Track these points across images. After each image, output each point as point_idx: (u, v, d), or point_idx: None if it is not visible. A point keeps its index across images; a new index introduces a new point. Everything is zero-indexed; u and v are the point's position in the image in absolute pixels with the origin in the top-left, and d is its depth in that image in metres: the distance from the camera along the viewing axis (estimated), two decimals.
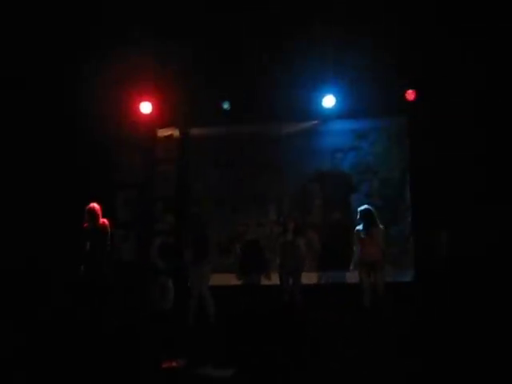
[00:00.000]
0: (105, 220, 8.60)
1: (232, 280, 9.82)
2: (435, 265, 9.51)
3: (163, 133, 10.78)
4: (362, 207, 8.97)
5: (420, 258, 9.79)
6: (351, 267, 8.98)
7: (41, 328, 8.17)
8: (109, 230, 8.57)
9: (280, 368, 6.91)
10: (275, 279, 9.48)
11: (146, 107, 10.46)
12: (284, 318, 8.75)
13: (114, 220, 10.06)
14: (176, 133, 10.78)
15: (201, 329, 8.65)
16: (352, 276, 9.79)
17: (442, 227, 9.66)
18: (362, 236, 8.84)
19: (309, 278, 9.67)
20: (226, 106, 10.15)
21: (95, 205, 8.58)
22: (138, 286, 10.03)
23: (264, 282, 9.71)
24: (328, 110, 10.10)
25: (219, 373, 6.87)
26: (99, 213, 8.58)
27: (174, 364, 7.26)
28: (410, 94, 9.85)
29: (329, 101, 10.02)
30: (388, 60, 9.47)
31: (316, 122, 10.50)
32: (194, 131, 10.80)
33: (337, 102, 10.00)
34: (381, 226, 8.88)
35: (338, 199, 10.38)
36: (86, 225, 8.53)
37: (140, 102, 10.43)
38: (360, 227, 8.92)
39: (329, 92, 10.00)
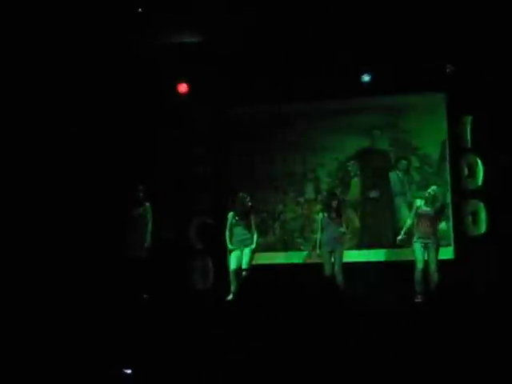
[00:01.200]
0: None
1: (273, 259, 9.88)
2: (475, 242, 9.47)
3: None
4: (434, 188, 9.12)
5: (460, 235, 9.71)
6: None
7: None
8: None
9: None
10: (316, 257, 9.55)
11: (183, 87, 10.41)
12: (324, 297, 8.72)
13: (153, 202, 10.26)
14: (212, 112, 10.72)
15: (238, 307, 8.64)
16: (391, 254, 9.84)
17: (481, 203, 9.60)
18: (423, 213, 8.95)
19: (348, 256, 9.63)
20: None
21: None
22: (177, 266, 10.14)
23: (305, 260, 9.79)
24: (366, 86, 9.98)
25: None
26: None
27: None
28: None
29: (366, 77, 9.92)
30: (424, 35, 9.33)
31: (354, 99, 10.39)
32: (232, 111, 10.77)
33: (374, 77, 9.88)
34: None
35: (376, 177, 10.32)
36: None
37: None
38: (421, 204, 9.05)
39: (366, 68, 9.88)
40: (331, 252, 9.25)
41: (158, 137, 10.55)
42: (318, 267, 9.35)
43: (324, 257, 9.27)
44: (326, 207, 9.43)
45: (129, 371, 6.57)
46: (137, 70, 9.98)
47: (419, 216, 9.05)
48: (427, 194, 9.07)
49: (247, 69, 10.03)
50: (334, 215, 9.35)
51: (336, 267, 9.16)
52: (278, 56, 9.84)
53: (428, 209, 9.04)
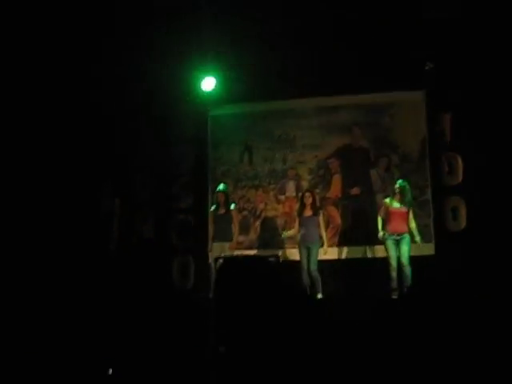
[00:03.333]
0: None
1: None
2: (455, 238, 9.51)
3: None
4: (400, 182, 9.15)
5: (440, 231, 9.75)
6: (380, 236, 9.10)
7: None
8: None
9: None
10: (295, 255, 9.57)
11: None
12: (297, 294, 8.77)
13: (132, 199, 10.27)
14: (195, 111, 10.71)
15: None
16: (371, 251, 9.89)
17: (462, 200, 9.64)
18: (393, 209, 8.99)
19: (328, 253, 9.64)
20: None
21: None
22: (158, 265, 10.12)
23: (282, 257, 9.82)
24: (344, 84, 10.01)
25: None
26: None
27: None
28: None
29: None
30: (404, 32, 9.37)
31: (334, 96, 10.42)
32: (214, 110, 10.80)
33: (353, 75, 9.90)
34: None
35: (356, 174, 10.34)
36: None
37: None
38: (389, 200, 9.14)
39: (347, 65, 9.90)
40: (308, 249, 9.25)
41: (140, 133, 10.54)
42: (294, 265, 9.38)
43: (301, 254, 9.29)
44: (302, 205, 9.44)
45: (110, 371, 6.61)
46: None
47: (390, 213, 9.09)
48: (396, 190, 9.11)
49: (229, 66, 10.04)
50: (309, 213, 9.35)
51: (312, 265, 9.18)
52: (259, 53, 9.84)
53: (398, 205, 9.07)
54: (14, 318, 7.33)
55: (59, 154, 9.87)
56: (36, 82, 9.66)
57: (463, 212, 9.57)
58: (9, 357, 6.31)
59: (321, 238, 9.40)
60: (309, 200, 9.37)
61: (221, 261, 8.23)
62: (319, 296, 9.03)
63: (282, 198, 10.55)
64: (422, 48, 9.50)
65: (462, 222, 9.57)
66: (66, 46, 9.57)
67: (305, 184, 10.45)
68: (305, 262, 9.22)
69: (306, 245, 9.28)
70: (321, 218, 9.43)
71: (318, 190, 10.20)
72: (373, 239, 9.64)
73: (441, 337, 6.18)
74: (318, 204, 9.54)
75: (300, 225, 9.42)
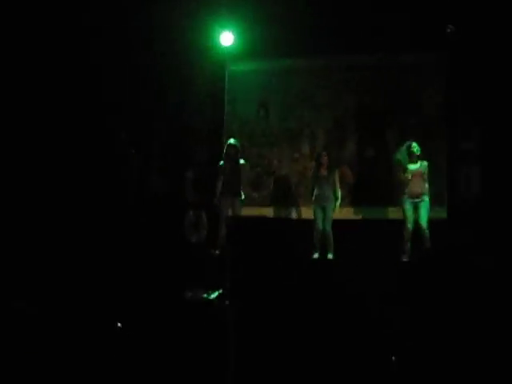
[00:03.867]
0: None
1: (264, 212, 9.94)
2: (469, 203, 9.50)
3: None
4: (409, 142, 9.08)
5: (453, 196, 9.74)
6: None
7: None
8: None
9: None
10: (309, 214, 9.59)
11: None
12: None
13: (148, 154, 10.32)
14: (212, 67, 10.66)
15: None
16: (385, 212, 9.88)
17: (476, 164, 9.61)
18: (410, 171, 8.95)
19: (342, 213, 9.66)
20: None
21: None
22: (172, 218, 10.19)
23: (295, 216, 9.86)
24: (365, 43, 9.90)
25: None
26: None
27: None
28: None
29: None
30: None
31: (353, 56, 10.32)
32: (231, 65, 10.76)
33: (374, 35, 9.79)
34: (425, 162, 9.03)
35: (372, 135, 10.29)
36: None
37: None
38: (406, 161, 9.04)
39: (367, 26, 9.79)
40: (323, 208, 9.27)
41: (159, 85, 10.53)
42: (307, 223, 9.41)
43: (316, 212, 9.29)
44: (317, 165, 9.41)
45: (119, 325, 6.68)
46: None
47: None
48: (412, 150, 9.04)
49: (249, 23, 9.94)
50: (324, 173, 9.34)
51: (326, 224, 9.20)
52: (278, 10, 9.74)
53: (416, 166, 9.04)
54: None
55: (79, 103, 9.90)
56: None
57: (477, 178, 9.53)
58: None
59: (336, 197, 9.37)
60: (324, 159, 9.35)
61: (231, 221, 8.33)
62: (330, 256, 9.07)
63: (297, 155, 10.52)
64: (446, 10, 9.37)
65: (476, 188, 9.53)
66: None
67: (320, 143, 10.42)
68: (320, 221, 9.24)
69: (321, 204, 9.28)
70: (336, 177, 9.41)
71: (332, 150, 10.16)
72: (387, 200, 9.65)
73: (451, 304, 6.24)
74: (333, 164, 9.50)
75: (315, 184, 9.41)
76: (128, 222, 9.43)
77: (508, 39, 9.15)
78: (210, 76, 10.62)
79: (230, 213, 9.33)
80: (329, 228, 9.21)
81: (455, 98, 9.87)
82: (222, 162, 9.52)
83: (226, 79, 10.77)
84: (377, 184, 10.03)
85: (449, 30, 9.46)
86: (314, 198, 9.39)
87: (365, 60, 10.33)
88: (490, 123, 9.44)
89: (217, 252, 8.90)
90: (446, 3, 9.34)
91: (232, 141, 9.58)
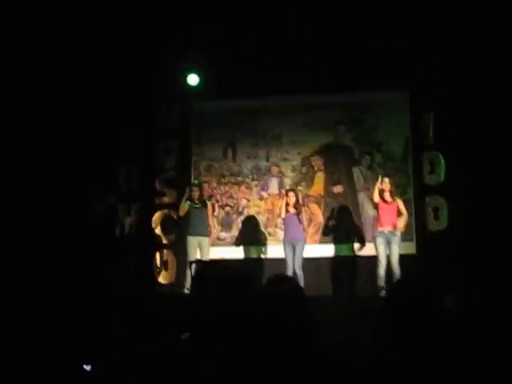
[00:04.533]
0: None
1: (233, 253, 9.90)
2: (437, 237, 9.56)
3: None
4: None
5: (422, 230, 9.80)
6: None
7: None
8: None
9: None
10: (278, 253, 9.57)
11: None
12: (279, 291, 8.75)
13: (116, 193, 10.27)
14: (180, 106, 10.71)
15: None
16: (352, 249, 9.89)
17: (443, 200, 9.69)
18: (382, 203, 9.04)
19: (311, 251, 9.66)
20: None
21: None
22: (139, 259, 10.11)
23: (264, 255, 9.87)
24: (329, 82, 10.01)
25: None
26: None
27: None
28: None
29: None
30: (388, 32, 9.39)
31: (318, 94, 10.44)
32: (199, 105, 10.81)
33: (337, 73, 9.91)
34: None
35: (339, 172, 10.37)
36: None
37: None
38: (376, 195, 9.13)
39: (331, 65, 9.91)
40: (292, 246, 9.25)
41: (125, 126, 10.55)
42: (278, 262, 9.38)
43: (286, 252, 9.26)
44: (286, 203, 9.41)
45: (88, 367, 6.53)
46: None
47: (379, 207, 9.13)
48: (384, 183, 9.13)
49: (215, 62, 10.03)
50: (293, 211, 9.35)
51: (296, 262, 9.16)
52: (245, 50, 9.83)
53: (389, 199, 9.12)
54: None
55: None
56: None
57: (445, 212, 9.62)
58: None
59: (305, 235, 9.39)
60: (292, 199, 9.33)
61: (197, 265, 8.26)
62: None
63: (265, 194, 10.55)
64: (407, 48, 9.53)
65: (444, 222, 9.62)
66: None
67: (288, 181, 10.47)
68: (289, 259, 9.19)
69: (291, 242, 9.25)
70: (304, 216, 9.42)
71: (300, 188, 10.22)
72: (355, 237, 9.70)
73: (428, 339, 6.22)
74: (300, 202, 9.52)
75: (283, 223, 9.41)
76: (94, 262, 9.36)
77: (470, 72, 9.31)
78: (176, 116, 10.64)
79: (197, 255, 9.29)
80: (299, 266, 9.14)
81: (419, 133, 10.02)
82: (187, 202, 9.49)
83: (193, 119, 10.78)
84: (345, 220, 10.05)
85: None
86: (283, 236, 9.40)
87: (329, 99, 10.49)
88: (456, 156, 9.57)
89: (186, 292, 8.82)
90: (406, 42, 9.49)
91: (196, 181, 9.65)
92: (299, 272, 9.10)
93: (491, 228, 8.93)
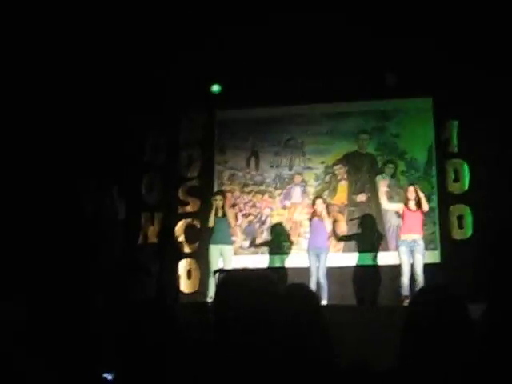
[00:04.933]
0: None
1: (256, 262, 9.89)
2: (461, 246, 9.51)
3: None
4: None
5: (446, 239, 9.73)
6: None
7: None
8: None
9: None
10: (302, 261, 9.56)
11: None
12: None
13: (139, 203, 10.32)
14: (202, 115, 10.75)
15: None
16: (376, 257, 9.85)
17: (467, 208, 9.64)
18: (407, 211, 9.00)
19: (334, 259, 9.62)
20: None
21: None
22: (162, 268, 10.14)
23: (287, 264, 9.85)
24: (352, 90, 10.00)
25: None
26: None
27: None
28: None
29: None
30: (412, 40, 9.37)
31: (342, 103, 10.44)
32: (222, 114, 10.82)
33: (362, 81, 9.88)
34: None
35: (363, 181, 10.33)
36: None
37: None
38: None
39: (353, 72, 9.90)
40: (317, 255, 9.22)
41: (147, 139, 10.60)
42: (301, 271, 9.35)
43: (310, 260, 9.22)
44: (314, 211, 9.38)
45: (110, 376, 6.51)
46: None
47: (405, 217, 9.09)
48: (410, 192, 9.09)
49: (238, 71, 10.06)
50: (319, 219, 9.32)
51: (320, 271, 9.12)
52: (268, 58, 9.85)
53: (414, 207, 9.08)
54: None
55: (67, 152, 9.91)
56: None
57: (469, 220, 9.56)
58: None
59: (328, 244, 9.36)
60: (319, 207, 9.30)
61: (221, 274, 8.24)
62: (324, 302, 8.98)
63: (288, 203, 10.52)
64: (431, 54, 9.49)
65: (468, 231, 9.55)
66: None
67: (311, 190, 10.44)
68: (314, 268, 9.14)
69: (315, 251, 9.21)
70: (329, 224, 9.39)
71: (324, 197, 10.19)
72: (378, 246, 9.66)
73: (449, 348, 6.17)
74: (327, 211, 9.46)
75: (309, 230, 9.38)
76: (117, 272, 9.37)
77: (493, 79, 9.27)
78: (199, 125, 10.69)
79: (220, 264, 9.28)
80: (323, 275, 9.09)
81: (443, 141, 9.98)
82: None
83: (216, 128, 10.80)
84: (369, 229, 10.00)
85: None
86: (308, 245, 9.37)
87: (352, 107, 10.48)
88: (480, 164, 9.52)
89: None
90: (429, 49, 9.46)
91: (218, 190, 9.70)
92: (323, 281, 9.06)
93: None
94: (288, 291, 3.01)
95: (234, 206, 10.24)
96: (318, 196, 9.77)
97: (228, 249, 9.40)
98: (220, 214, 9.44)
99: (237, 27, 9.55)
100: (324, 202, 9.49)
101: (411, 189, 9.10)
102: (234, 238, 9.79)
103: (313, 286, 9.01)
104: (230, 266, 9.24)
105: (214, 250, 9.32)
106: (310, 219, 9.41)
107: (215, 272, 8.76)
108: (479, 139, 9.50)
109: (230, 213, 9.61)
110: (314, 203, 9.45)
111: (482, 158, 9.52)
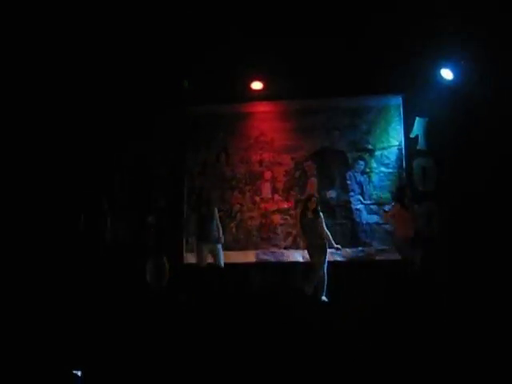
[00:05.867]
0: None
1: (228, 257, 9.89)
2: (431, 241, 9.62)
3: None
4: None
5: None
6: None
7: None
8: None
9: None
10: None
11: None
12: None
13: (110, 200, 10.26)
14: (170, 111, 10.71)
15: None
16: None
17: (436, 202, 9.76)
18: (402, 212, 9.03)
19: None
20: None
21: None
22: (133, 264, 10.09)
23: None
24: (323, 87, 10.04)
25: None
26: None
27: None
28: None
29: None
30: (382, 37, 9.44)
31: (313, 99, 10.47)
32: (191, 110, 10.78)
33: (333, 79, 9.93)
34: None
35: (333, 177, 10.37)
36: None
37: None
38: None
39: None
40: (320, 252, 9.06)
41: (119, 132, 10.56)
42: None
43: (313, 256, 9.05)
44: (305, 209, 9.26)
45: (79, 373, 6.52)
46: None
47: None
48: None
49: (209, 67, 10.04)
50: (312, 216, 9.20)
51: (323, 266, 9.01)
52: (238, 55, 9.84)
53: None
54: None
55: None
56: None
57: (436, 217, 9.68)
58: None
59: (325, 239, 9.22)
60: (313, 205, 9.23)
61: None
62: (323, 298, 8.93)
63: (258, 199, 10.53)
64: (401, 52, 9.56)
65: (436, 228, 9.67)
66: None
67: (280, 186, 10.45)
68: (318, 263, 9.01)
69: (316, 247, 9.08)
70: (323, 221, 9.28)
71: (293, 192, 10.24)
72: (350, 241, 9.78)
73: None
74: (319, 208, 9.32)
75: (303, 228, 9.21)
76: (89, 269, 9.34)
77: (462, 78, 9.40)
78: (170, 121, 10.64)
79: (209, 260, 9.24)
80: (324, 269, 8.98)
81: (413, 138, 10.08)
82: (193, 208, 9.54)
83: (187, 124, 10.76)
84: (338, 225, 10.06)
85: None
86: (307, 241, 9.14)
87: (323, 104, 10.53)
88: (448, 162, 9.64)
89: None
90: (400, 49, 9.54)
91: (206, 185, 9.87)
92: (322, 275, 8.97)
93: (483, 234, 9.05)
94: None
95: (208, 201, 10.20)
96: (311, 194, 9.69)
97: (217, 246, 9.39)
98: (206, 210, 9.43)
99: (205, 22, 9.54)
100: (314, 199, 9.34)
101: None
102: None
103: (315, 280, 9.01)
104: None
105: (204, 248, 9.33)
106: (303, 217, 9.24)
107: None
108: (447, 137, 9.61)
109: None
110: (309, 200, 9.33)
111: (449, 156, 9.63)
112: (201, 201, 9.48)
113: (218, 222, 9.49)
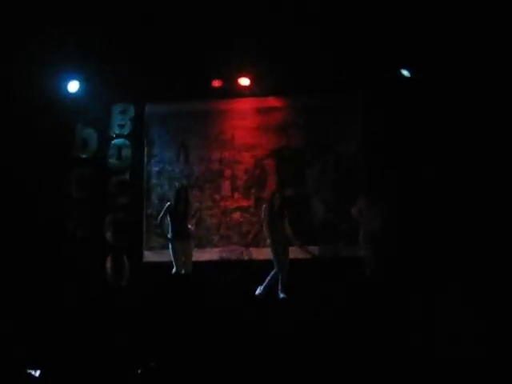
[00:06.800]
0: None
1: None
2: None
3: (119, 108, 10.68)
4: None
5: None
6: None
7: None
8: None
9: None
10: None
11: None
12: None
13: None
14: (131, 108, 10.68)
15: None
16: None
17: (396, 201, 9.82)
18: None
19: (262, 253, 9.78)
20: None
21: None
22: (93, 262, 10.07)
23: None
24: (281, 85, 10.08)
25: None
26: None
27: None
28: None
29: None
30: (340, 33, 9.49)
31: (271, 97, 10.49)
32: (152, 108, 10.78)
33: (289, 77, 9.97)
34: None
35: (291, 175, 10.40)
36: None
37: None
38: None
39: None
40: (283, 249, 9.18)
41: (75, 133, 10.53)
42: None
43: (278, 253, 9.14)
44: (271, 206, 9.33)
45: (37, 373, 6.48)
46: None
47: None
48: None
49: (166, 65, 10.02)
50: (276, 214, 9.27)
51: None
52: (195, 54, 9.85)
53: None
54: None
55: None
56: None
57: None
58: None
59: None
60: (278, 201, 9.30)
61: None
62: (281, 296, 8.99)
63: (218, 197, 10.54)
64: (359, 49, 9.62)
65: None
66: None
67: (240, 184, 10.47)
68: (284, 260, 9.13)
69: (279, 244, 9.18)
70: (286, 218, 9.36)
71: (253, 190, 10.26)
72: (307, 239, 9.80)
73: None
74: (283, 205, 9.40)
75: (271, 225, 9.27)
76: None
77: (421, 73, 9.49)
78: (129, 119, 10.62)
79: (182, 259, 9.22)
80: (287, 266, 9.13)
81: (372, 135, 10.12)
82: (170, 204, 9.43)
83: (146, 121, 10.73)
84: (297, 223, 10.08)
85: None
86: (275, 238, 9.22)
87: (282, 102, 10.53)
88: (406, 159, 9.71)
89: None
90: (357, 45, 9.59)
91: (185, 182, 9.84)
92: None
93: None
94: None
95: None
96: (276, 190, 9.77)
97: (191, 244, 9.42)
98: (182, 208, 9.41)
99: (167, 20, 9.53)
100: (279, 197, 9.45)
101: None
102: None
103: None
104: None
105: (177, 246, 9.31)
106: (270, 214, 9.30)
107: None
108: (405, 133, 9.68)
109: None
110: (272, 197, 9.41)
111: (408, 153, 9.70)
112: (178, 199, 9.40)
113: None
